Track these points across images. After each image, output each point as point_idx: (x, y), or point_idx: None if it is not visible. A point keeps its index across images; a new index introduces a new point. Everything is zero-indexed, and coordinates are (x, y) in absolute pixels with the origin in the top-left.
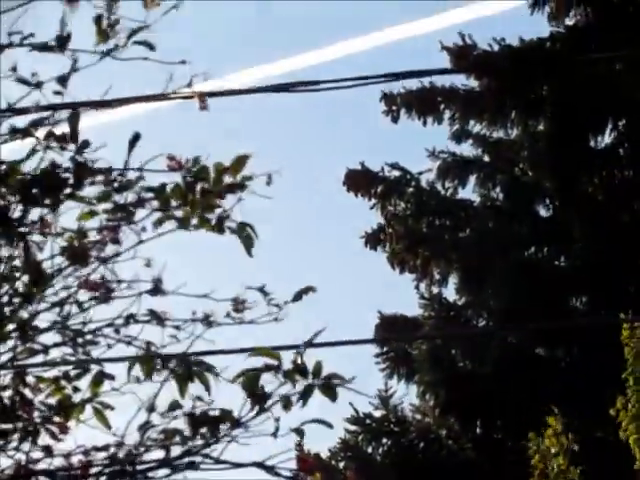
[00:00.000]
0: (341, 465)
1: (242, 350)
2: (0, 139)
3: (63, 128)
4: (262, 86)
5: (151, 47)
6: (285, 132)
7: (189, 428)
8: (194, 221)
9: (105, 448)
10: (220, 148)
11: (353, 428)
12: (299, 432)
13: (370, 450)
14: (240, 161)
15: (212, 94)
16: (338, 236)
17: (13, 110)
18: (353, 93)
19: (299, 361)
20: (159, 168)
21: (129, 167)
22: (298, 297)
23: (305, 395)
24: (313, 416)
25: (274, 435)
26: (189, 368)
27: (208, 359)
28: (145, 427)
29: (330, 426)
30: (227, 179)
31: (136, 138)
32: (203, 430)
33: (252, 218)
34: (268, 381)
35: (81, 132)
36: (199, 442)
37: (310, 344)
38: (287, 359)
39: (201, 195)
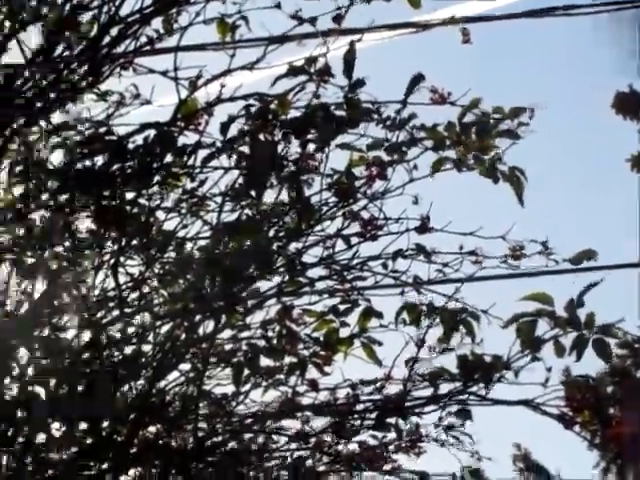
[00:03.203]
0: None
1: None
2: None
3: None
4: (519, 12)
5: None
6: (537, 60)
7: (461, 372)
8: (469, 161)
9: (372, 382)
10: (472, 79)
11: (621, 352)
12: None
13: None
14: (517, 111)
15: (469, 19)
16: (603, 160)
17: (277, 39)
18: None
19: (571, 310)
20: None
21: (401, 102)
22: (578, 261)
23: (578, 347)
24: None
25: (544, 385)
26: (455, 318)
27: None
28: (413, 362)
29: (594, 379)
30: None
31: (418, 79)
32: (471, 373)
33: (518, 154)
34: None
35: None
36: (470, 384)
37: (584, 292)
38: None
39: (477, 135)
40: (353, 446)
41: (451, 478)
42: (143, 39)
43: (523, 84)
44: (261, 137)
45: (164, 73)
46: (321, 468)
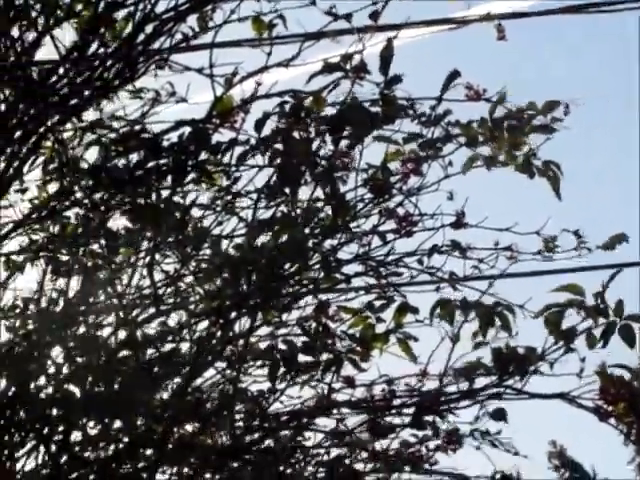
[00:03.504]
0: None
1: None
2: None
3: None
4: (553, 8)
5: None
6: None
7: (495, 365)
8: (501, 157)
9: (408, 377)
10: (508, 76)
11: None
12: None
13: None
14: (551, 105)
15: (504, 16)
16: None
17: (312, 36)
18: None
19: (600, 299)
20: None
21: (437, 98)
22: (611, 246)
23: (606, 335)
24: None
25: (579, 376)
26: (490, 312)
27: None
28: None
29: (630, 370)
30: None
31: (454, 75)
32: (506, 366)
33: (554, 151)
34: (570, 317)
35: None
36: (505, 377)
37: (613, 277)
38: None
39: (508, 132)
40: (391, 444)
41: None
42: (178, 36)
43: (559, 81)
44: (295, 134)
45: (199, 70)
46: (358, 466)
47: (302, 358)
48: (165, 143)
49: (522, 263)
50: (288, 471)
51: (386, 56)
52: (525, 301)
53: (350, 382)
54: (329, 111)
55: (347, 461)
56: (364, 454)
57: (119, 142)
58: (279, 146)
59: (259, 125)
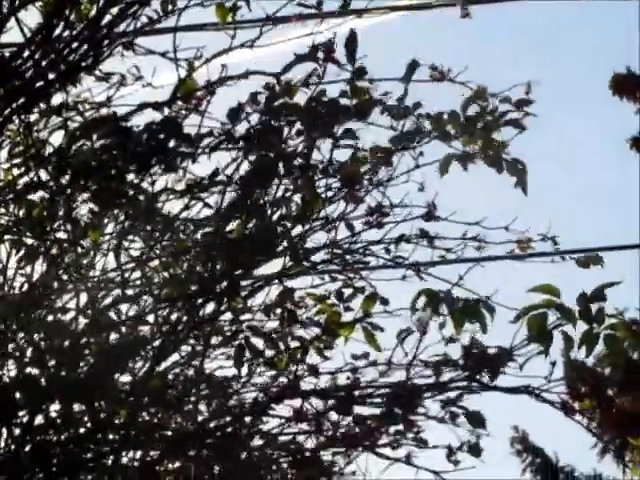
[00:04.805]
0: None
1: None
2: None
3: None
4: None
5: None
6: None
7: (465, 363)
8: (474, 153)
9: (373, 364)
10: (472, 57)
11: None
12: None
13: (636, 356)
14: (524, 101)
15: (473, 0)
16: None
17: (276, 19)
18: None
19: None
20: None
21: (403, 90)
22: (585, 265)
23: (589, 343)
24: None
25: (547, 379)
26: (472, 309)
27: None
28: (405, 337)
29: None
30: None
31: (414, 65)
32: (479, 367)
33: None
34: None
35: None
36: (473, 373)
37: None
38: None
39: (482, 130)
40: (353, 428)
41: (447, 450)
42: (143, 19)
43: (523, 64)
44: (267, 125)
45: (163, 54)
46: (320, 449)
47: (268, 344)
48: (134, 129)
49: (492, 256)
50: (252, 456)
51: (351, 47)
52: (493, 292)
53: (314, 370)
54: (299, 98)
55: (308, 444)
56: (326, 437)
57: (85, 126)
58: (250, 136)
59: (233, 115)
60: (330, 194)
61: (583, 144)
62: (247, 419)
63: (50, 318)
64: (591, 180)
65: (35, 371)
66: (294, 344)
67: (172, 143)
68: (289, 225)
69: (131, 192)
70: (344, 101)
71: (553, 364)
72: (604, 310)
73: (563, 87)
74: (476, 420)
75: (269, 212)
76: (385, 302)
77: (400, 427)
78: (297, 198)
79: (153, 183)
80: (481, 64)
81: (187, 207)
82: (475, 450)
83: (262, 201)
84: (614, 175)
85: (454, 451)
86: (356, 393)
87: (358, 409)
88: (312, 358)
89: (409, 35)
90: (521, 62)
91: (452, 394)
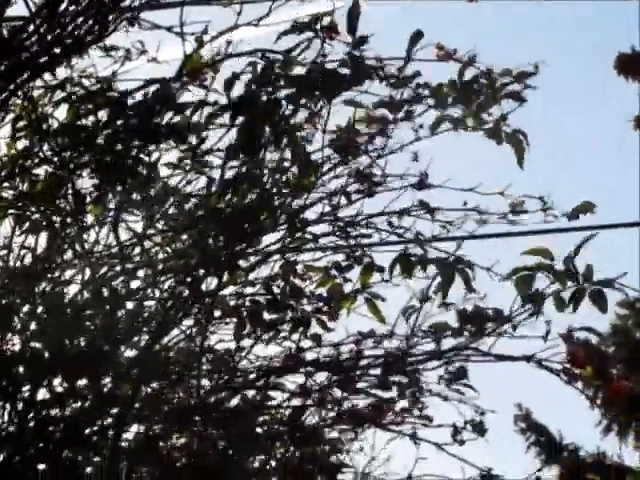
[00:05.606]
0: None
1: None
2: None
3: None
4: None
5: None
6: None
7: (460, 325)
8: (469, 122)
9: (372, 334)
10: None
11: (623, 312)
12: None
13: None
14: (523, 74)
15: None
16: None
17: None
18: None
19: (570, 264)
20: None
21: (404, 59)
22: (575, 216)
23: (576, 299)
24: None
25: (544, 339)
26: (451, 269)
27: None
28: (411, 313)
29: (599, 334)
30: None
31: (418, 36)
32: (471, 326)
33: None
34: (539, 280)
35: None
36: (467, 336)
37: (583, 243)
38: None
39: (477, 94)
40: (357, 402)
41: (452, 429)
42: None
43: (530, 45)
44: (263, 94)
45: (169, 29)
46: (326, 426)
47: (268, 316)
48: (130, 102)
49: (489, 225)
50: (255, 429)
51: (353, 15)
52: (492, 263)
53: (317, 340)
54: (298, 71)
55: (312, 418)
56: (330, 412)
57: (88, 100)
58: (246, 106)
59: (228, 85)
60: (327, 167)
61: (586, 120)
62: (250, 393)
63: (53, 292)
64: (592, 157)
65: (38, 345)
66: (296, 316)
67: (169, 115)
68: (287, 196)
69: (132, 165)
70: (344, 71)
71: (548, 322)
72: (592, 268)
73: (563, 87)
74: (459, 374)
75: (266, 183)
76: (381, 270)
77: (405, 403)
78: (295, 169)
79: (149, 155)
80: (490, 46)
81: (188, 181)
82: (480, 429)
83: (257, 171)
84: (614, 158)
85: (459, 430)
86: (359, 363)
87: (361, 384)
88: (315, 329)
89: (417, 16)
90: (520, 61)
91: (453, 368)
